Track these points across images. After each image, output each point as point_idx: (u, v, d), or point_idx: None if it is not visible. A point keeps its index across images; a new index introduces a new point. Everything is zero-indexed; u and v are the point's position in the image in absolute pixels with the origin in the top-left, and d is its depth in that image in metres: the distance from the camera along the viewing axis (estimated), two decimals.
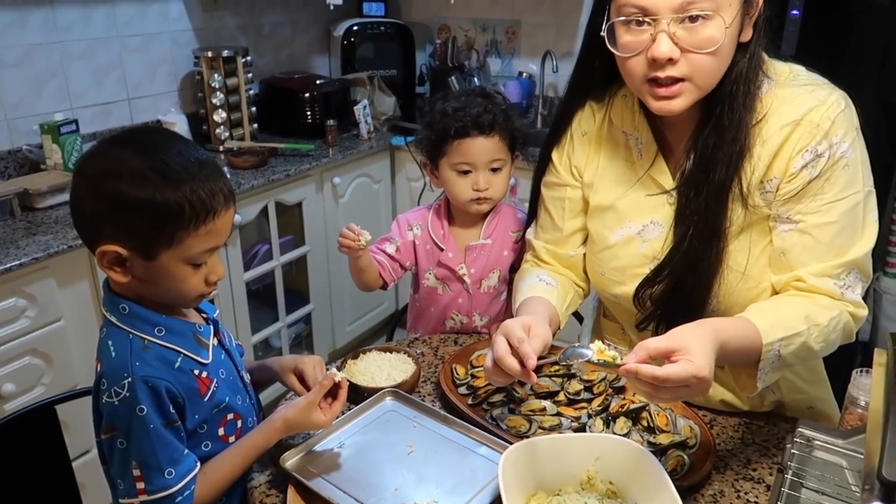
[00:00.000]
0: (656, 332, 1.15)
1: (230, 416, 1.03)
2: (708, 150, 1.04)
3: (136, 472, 0.91)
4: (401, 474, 1.02)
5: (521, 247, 1.47)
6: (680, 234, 1.08)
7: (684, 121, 1.08)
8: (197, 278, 0.95)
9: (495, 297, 1.52)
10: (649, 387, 0.84)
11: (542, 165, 1.28)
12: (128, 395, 0.90)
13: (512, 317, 1.13)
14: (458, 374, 1.24)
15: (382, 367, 1.28)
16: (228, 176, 2.36)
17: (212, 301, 1.20)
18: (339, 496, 0.96)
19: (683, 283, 1.08)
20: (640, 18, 0.95)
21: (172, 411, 0.94)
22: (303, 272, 2.73)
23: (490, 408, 1.15)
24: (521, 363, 0.92)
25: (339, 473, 1.01)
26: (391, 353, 1.32)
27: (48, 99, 2.30)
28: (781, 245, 1.04)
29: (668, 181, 1.12)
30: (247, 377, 1.12)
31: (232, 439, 1.04)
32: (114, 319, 0.95)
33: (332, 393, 1.05)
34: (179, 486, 0.93)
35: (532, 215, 1.33)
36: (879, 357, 0.86)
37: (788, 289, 1.04)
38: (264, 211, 2.44)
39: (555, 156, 1.25)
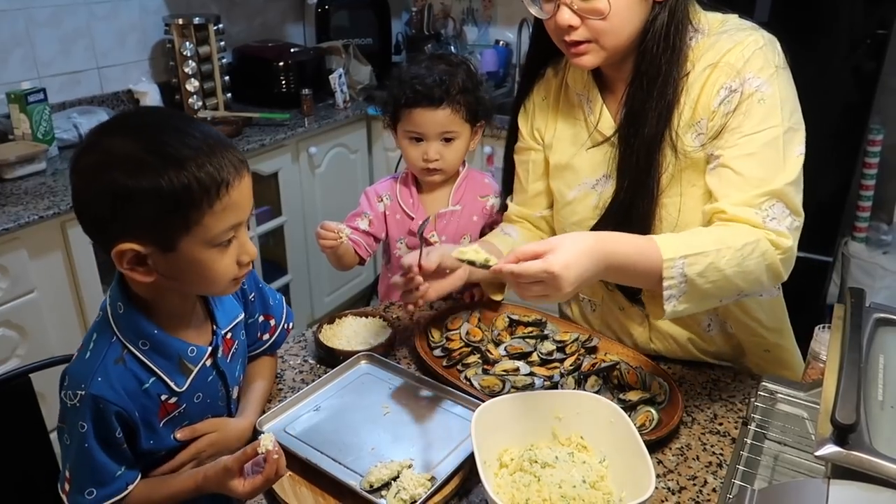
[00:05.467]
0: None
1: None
2: (636, 105, 1.08)
3: (67, 475, 0.90)
4: (377, 434, 1.03)
5: (490, 211, 1.49)
6: (619, 186, 1.13)
7: (619, 75, 1.13)
8: (226, 261, 0.88)
9: None
10: (514, 285, 0.90)
11: (513, 133, 1.32)
12: (77, 405, 0.87)
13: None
14: (433, 337, 1.25)
15: (358, 332, 1.29)
16: None
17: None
18: (317, 456, 0.98)
19: None
20: None
21: (119, 435, 0.89)
22: (280, 243, 2.72)
23: (464, 369, 1.17)
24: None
25: (316, 435, 1.03)
26: (367, 317, 1.33)
27: (14, 67, 2.24)
28: (709, 182, 1.06)
29: (610, 132, 1.15)
30: (235, 393, 1.05)
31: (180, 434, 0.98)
32: (110, 312, 0.91)
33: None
34: None
35: (508, 186, 1.36)
36: (839, 311, 0.88)
37: (714, 220, 1.04)
38: None
39: (520, 121, 1.30)
